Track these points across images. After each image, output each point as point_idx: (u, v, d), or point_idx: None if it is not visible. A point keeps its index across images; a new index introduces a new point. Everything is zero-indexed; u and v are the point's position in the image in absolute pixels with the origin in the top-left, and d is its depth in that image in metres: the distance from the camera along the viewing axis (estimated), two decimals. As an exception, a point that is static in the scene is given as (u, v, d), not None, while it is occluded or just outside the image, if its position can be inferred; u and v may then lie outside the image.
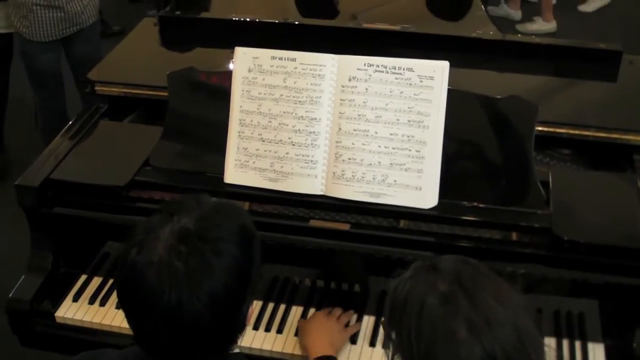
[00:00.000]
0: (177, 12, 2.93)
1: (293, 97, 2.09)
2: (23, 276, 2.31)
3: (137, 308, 1.39)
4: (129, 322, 1.42)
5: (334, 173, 2.05)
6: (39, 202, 2.24)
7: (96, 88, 2.60)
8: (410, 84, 2.02)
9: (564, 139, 2.29)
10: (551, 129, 2.26)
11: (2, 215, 3.81)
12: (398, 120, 2.02)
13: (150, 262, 1.35)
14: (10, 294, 2.28)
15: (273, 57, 2.12)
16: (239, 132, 2.14)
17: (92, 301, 2.27)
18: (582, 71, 2.57)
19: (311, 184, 2.07)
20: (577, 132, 2.27)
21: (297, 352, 2.08)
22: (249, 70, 2.14)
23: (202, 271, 1.34)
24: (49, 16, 3.88)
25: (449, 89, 2.01)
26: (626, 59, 2.58)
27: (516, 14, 6.14)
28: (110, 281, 2.32)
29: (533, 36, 2.66)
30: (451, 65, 2.02)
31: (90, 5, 4.00)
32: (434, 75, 2.01)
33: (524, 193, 2.05)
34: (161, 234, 1.37)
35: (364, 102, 2.04)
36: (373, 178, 2.03)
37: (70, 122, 2.53)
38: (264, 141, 2.11)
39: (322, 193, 2.07)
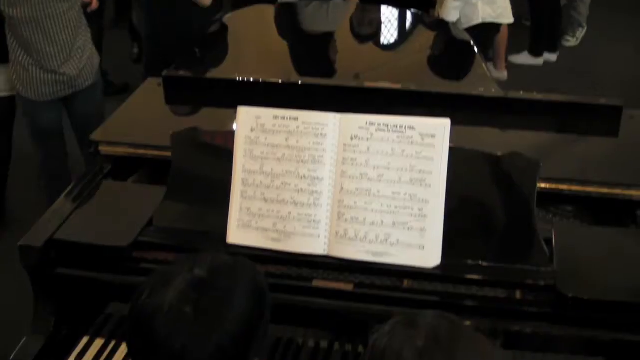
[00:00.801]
0: (181, 72, 2.96)
1: (295, 156, 2.09)
2: (24, 338, 2.29)
3: (143, 350, 1.40)
4: None
5: (336, 232, 2.05)
6: (42, 262, 2.24)
7: (100, 148, 2.61)
8: (411, 142, 2.03)
9: (566, 195, 2.29)
10: (553, 186, 2.26)
11: (4, 273, 3.80)
12: (400, 178, 2.02)
13: (160, 306, 1.36)
14: (12, 356, 2.26)
15: (275, 117, 2.14)
16: (241, 191, 2.14)
17: (94, 364, 2.25)
18: (584, 127, 2.58)
19: (314, 244, 2.07)
20: (579, 188, 2.28)
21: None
22: (252, 130, 2.15)
23: (211, 320, 1.35)
24: (44, 77, 3.92)
25: (450, 147, 2.02)
26: (627, 114, 2.59)
27: (502, 74, 6.21)
28: (113, 343, 2.30)
29: (534, 92, 2.66)
30: (453, 123, 2.03)
31: (87, 69, 4.01)
32: (435, 133, 2.02)
33: (528, 250, 2.04)
34: (174, 280, 1.39)
35: (366, 161, 2.05)
36: (376, 237, 2.02)
37: (74, 183, 2.54)
38: (266, 201, 2.11)
39: (325, 253, 2.06)
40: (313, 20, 4.14)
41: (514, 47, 6.39)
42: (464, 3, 4.37)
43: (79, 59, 3.97)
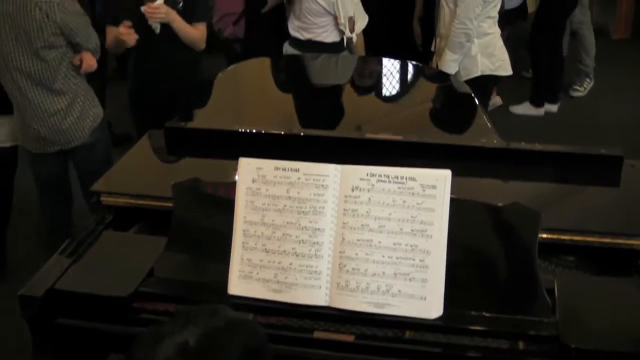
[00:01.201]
0: (182, 124, 2.98)
1: (297, 207, 2.10)
2: (23, 390, 2.28)
3: None
4: None
5: (338, 284, 2.04)
6: (42, 312, 2.23)
7: (102, 199, 2.62)
8: (412, 193, 2.03)
9: (568, 245, 2.29)
10: (555, 236, 2.26)
11: (4, 323, 3.78)
12: (401, 229, 2.02)
13: None
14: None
15: (276, 168, 2.14)
16: (243, 242, 2.14)
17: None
18: (585, 177, 2.59)
19: (315, 295, 2.06)
20: (581, 238, 2.28)
21: None
22: (253, 181, 2.16)
23: None
24: (26, 130, 3.93)
25: (451, 198, 2.02)
26: (627, 163, 2.60)
27: (495, 100, 6.30)
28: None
29: (537, 144, 2.68)
30: (454, 174, 2.04)
31: (73, 129, 3.96)
32: (436, 184, 2.03)
33: (530, 301, 2.04)
34: (163, 344, 1.36)
35: (367, 212, 2.05)
36: (377, 288, 2.02)
37: (75, 233, 2.54)
38: (267, 252, 2.11)
39: (326, 304, 2.06)
40: (321, 72, 4.19)
41: (515, 98, 6.45)
42: (462, 56, 4.41)
43: (59, 121, 3.91)
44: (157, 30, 4.21)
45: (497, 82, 4.68)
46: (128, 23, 4.07)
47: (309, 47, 4.35)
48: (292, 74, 4.10)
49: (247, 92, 3.79)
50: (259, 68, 3.99)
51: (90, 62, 3.92)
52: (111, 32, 4.22)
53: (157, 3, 4.12)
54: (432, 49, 4.78)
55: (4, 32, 3.72)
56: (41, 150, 4.00)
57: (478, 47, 4.43)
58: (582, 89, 6.80)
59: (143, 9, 4.09)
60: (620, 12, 7.94)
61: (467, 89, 3.57)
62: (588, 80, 6.81)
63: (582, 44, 6.77)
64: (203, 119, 3.24)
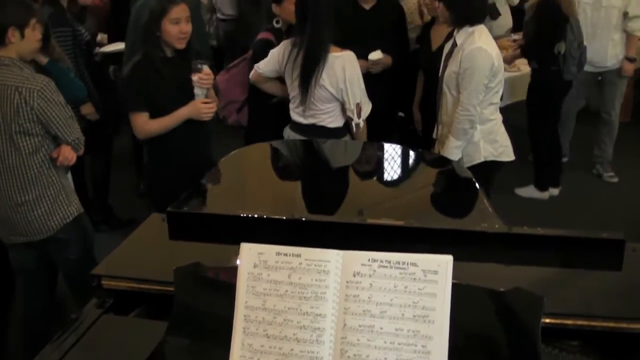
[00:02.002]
0: (185, 208, 3.00)
1: (298, 293, 2.09)
2: None
3: None
4: None
5: (339, 370, 2.02)
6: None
7: (103, 282, 2.62)
8: (414, 279, 2.03)
9: (571, 330, 2.27)
10: (558, 321, 2.25)
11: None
12: (403, 315, 2.01)
13: None
14: None
15: (278, 253, 2.15)
16: (244, 328, 2.13)
17: None
18: (587, 261, 2.59)
19: (317, 381, 2.04)
20: (584, 322, 2.26)
21: None
22: (254, 266, 2.15)
23: None
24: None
25: (453, 283, 2.02)
26: (629, 247, 2.60)
27: None
28: None
29: (539, 228, 2.69)
30: (456, 259, 2.04)
31: (39, 222, 3.87)
32: (438, 270, 2.02)
33: (534, 387, 2.01)
34: None
35: (368, 298, 2.04)
36: (379, 374, 2.00)
37: (75, 316, 2.53)
38: (269, 337, 2.09)
39: (328, 390, 2.03)
40: (324, 157, 4.23)
41: (520, 181, 6.50)
42: (465, 142, 4.44)
43: (26, 211, 3.84)
44: (199, 98, 4.26)
45: (500, 168, 4.70)
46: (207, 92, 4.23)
47: (311, 131, 4.39)
48: (294, 159, 4.15)
49: (249, 176, 3.82)
50: (261, 153, 4.04)
51: (68, 155, 3.86)
52: (140, 117, 4.18)
53: (207, 69, 4.16)
54: (434, 135, 4.81)
55: None
56: (7, 240, 3.96)
57: (480, 133, 4.46)
58: (612, 173, 6.93)
59: (195, 77, 4.11)
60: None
61: (468, 173, 3.60)
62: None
63: (609, 129, 6.93)
64: (206, 202, 3.26)
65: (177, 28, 4.03)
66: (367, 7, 5.22)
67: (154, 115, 4.15)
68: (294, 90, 4.43)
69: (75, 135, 3.88)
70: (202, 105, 4.15)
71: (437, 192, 3.55)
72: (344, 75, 4.29)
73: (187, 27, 4.09)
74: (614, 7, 6.34)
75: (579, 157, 7.21)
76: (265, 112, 4.86)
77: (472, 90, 4.31)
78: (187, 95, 4.19)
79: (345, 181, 3.79)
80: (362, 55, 4.87)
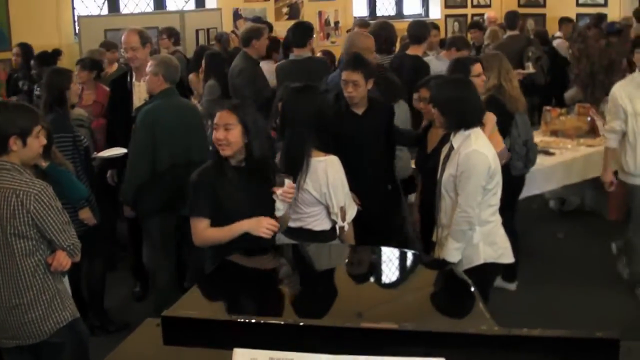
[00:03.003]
0: (179, 313, 2.99)
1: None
2: None
3: None
4: None
5: None
6: None
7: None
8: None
9: None
10: None
11: None
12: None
13: None
14: None
15: (271, 359, 2.14)
16: None
17: None
18: (583, 360, 2.58)
19: None
20: None
21: None
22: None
23: None
24: None
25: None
26: (624, 345, 2.59)
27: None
28: None
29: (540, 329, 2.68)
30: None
31: (33, 326, 3.81)
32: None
33: None
34: None
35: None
36: None
37: None
38: None
39: None
40: (315, 261, 4.24)
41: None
42: (465, 244, 4.45)
43: (20, 314, 3.80)
44: (281, 213, 4.18)
45: (500, 271, 4.68)
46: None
47: (300, 235, 4.41)
48: (286, 263, 4.16)
49: (245, 280, 3.83)
50: (255, 257, 4.06)
51: (62, 261, 3.84)
52: (201, 223, 4.10)
53: (291, 183, 4.12)
54: (433, 238, 4.82)
55: None
56: (2, 344, 3.91)
57: (480, 235, 4.47)
58: None
59: (279, 191, 4.05)
60: (614, 194, 8.09)
61: (463, 276, 3.61)
62: None
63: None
64: (201, 306, 3.26)
65: (215, 134, 4.07)
66: (359, 112, 5.33)
67: (215, 222, 4.10)
68: None
69: (71, 240, 3.88)
70: (265, 223, 4.03)
71: (433, 296, 3.55)
72: (326, 179, 4.34)
73: (222, 134, 4.00)
74: None
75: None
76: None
77: (470, 193, 4.35)
78: (251, 207, 4.11)
79: (339, 284, 3.79)
80: (357, 159, 4.92)
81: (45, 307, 3.84)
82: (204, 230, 4.07)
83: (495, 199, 4.51)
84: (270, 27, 9.53)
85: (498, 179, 4.48)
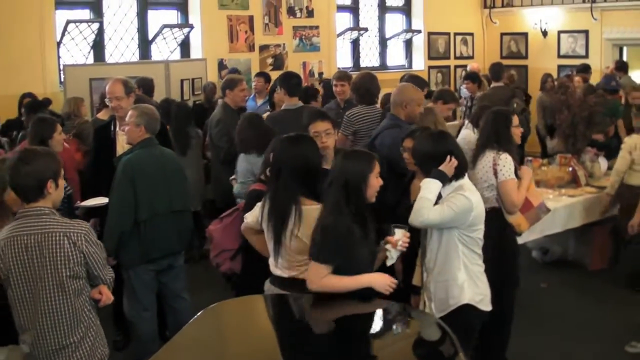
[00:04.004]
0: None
1: None
2: None
3: None
4: None
5: None
6: None
7: None
8: None
9: None
10: None
11: None
12: None
13: None
14: None
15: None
16: None
17: None
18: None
19: None
20: None
21: None
22: None
23: None
24: None
25: None
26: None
27: None
28: None
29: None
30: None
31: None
32: None
33: None
34: None
35: None
36: None
37: None
38: None
39: None
40: (305, 310, 4.21)
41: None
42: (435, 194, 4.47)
43: (68, 355, 3.87)
44: (393, 261, 4.20)
45: (481, 319, 4.65)
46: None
47: (291, 285, 4.37)
48: (276, 313, 4.14)
49: (230, 331, 3.81)
50: (243, 307, 4.04)
51: (109, 295, 4.03)
52: (323, 269, 4.04)
53: (407, 232, 4.16)
54: (416, 282, 4.81)
55: (30, 265, 3.80)
56: None
57: (466, 274, 4.48)
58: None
59: (395, 239, 4.09)
60: (597, 244, 8.14)
61: (447, 328, 3.61)
62: None
63: None
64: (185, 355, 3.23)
65: (376, 182, 4.11)
66: (327, 167, 5.30)
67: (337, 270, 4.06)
68: (269, 243, 4.46)
69: (110, 274, 4.07)
70: (389, 281, 4.02)
71: (416, 347, 3.55)
72: None
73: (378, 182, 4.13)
74: None
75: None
76: (258, 261, 4.85)
77: (443, 210, 4.35)
78: (372, 259, 4.15)
79: (325, 337, 3.78)
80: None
81: (92, 343, 3.97)
82: (324, 277, 4.02)
83: (479, 248, 4.52)
84: (268, 78, 9.59)
85: (482, 226, 4.50)
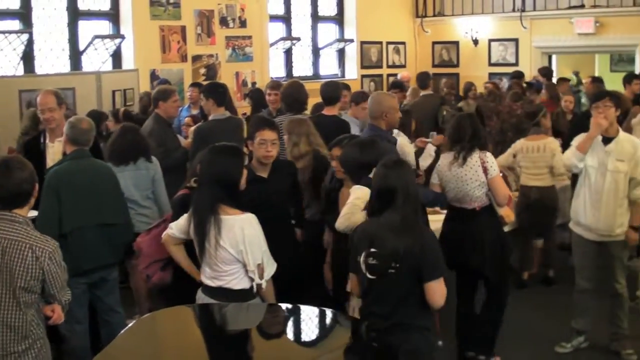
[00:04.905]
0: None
1: None
2: None
3: None
4: None
5: None
6: None
7: None
8: None
9: None
10: None
11: None
12: None
13: None
14: None
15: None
16: None
17: None
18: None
19: None
20: None
21: None
22: None
23: None
24: None
25: None
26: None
27: None
28: None
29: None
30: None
31: None
32: None
33: None
34: None
35: None
36: None
37: None
38: None
39: None
40: (234, 320, 4.23)
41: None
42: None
43: None
44: None
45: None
46: None
47: (220, 294, 4.39)
48: (205, 322, 4.14)
49: (161, 341, 3.81)
50: (176, 316, 4.04)
51: (61, 316, 4.05)
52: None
53: None
54: (348, 289, 4.86)
55: None
56: None
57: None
58: (632, 350, 6.27)
59: None
60: (525, 249, 8.26)
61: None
62: None
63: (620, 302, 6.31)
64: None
65: None
66: (264, 175, 5.39)
67: None
68: (198, 252, 4.48)
69: (67, 297, 4.08)
70: None
71: (347, 354, 3.61)
72: (243, 236, 4.37)
73: None
74: (618, 171, 5.92)
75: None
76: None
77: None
78: None
79: (257, 344, 3.80)
80: (267, 218, 4.96)
81: (35, 356, 3.98)
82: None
83: None
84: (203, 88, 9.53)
85: None
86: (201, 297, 4.46)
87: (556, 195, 7.82)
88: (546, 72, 12.56)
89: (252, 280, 4.43)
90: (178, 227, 4.66)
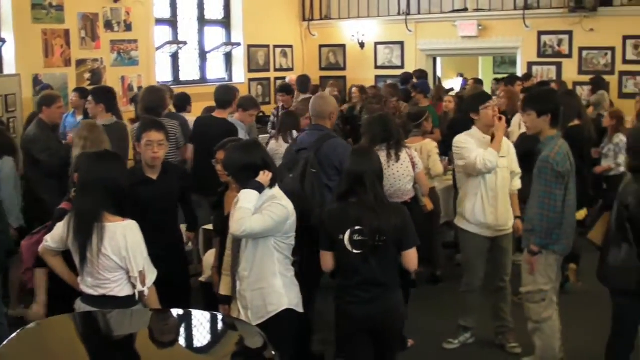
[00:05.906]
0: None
1: None
2: None
3: None
4: None
5: None
6: None
7: None
8: None
9: None
10: None
11: None
12: None
13: None
14: None
15: None
16: None
17: None
18: None
19: None
20: None
21: None
22: None
23: None
24: None
25: None
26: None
27: None
28: None
29: None
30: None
31: None
32: None
33: None
34: None
35: None
36: None
37: None
38: None
39: None
40: (119, 327, 4.18)
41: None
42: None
43: None
44: None
45: (301, 322, 4.77)
46: None
47: (103, 302, 4.33)
48: (90, 331, 4.08)
49: (42, 352, 3.73)
50: (59, 327, 3.97)
51: None
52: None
53: None
54: (230, 293, 4.86)
55: None
56: None
57: (282, 280, 4.58)
58: (516, 343, 6.42)
59: None
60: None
61: (264, 337, 3.68)
62: None
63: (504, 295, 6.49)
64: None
65: None
66: (154, 177, 5.37)
67: None
68: (76, 261, 4.42)
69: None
70: None
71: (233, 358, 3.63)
72: (125, 243, 4.34)
73: None
74: (503, 167, 6.18)
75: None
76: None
77: (259, 218, 4.44)
78: None
79: (145, 350, 3.77)
80: (154, 221, 4.92)
81: None
82: None
83: (290, 252, 4.66)
84: (85, 93, 9.18)
85: (294, 233, 4.65)
86: (81, 307, 4.40)
87: (437, 196, 7.89)
88: (420, 74, 12.83)
89: (134, 287, 4.40)
90: (53, 238, 4.58)
